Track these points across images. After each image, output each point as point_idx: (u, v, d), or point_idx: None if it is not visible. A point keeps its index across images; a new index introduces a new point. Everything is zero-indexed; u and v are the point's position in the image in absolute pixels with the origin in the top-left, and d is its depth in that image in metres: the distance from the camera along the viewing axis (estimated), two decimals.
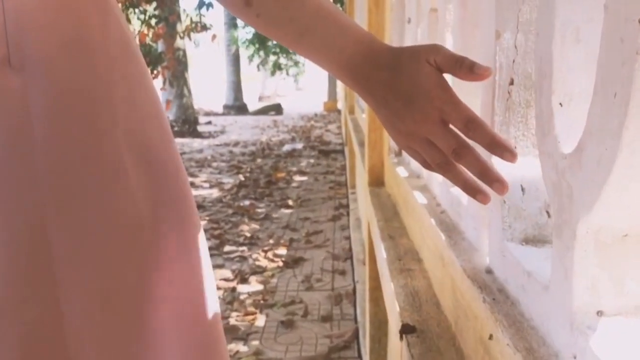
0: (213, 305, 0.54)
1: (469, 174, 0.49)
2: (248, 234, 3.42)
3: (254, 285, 2.62)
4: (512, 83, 0.57)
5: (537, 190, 0.55)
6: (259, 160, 6.32)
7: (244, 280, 2.68)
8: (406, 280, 0.84)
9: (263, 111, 13.70)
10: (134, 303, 0.45)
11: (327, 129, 9.47)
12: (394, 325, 0.79)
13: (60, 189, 0.42)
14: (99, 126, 0.45)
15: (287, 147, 7.33)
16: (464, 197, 0.72)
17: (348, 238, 3.27)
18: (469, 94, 0.73)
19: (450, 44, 0.87)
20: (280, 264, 2.88)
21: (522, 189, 0.56)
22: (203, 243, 0.55)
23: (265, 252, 3.05)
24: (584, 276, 0.37)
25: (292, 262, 2.89)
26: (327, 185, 4.91)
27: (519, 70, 0.57)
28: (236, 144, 7.92)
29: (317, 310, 2.35)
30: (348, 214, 3.75)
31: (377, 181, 1.53)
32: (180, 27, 8.09)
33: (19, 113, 0.41)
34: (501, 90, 0.57)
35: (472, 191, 0.49)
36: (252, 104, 14.96)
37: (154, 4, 7.28)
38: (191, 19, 7.33)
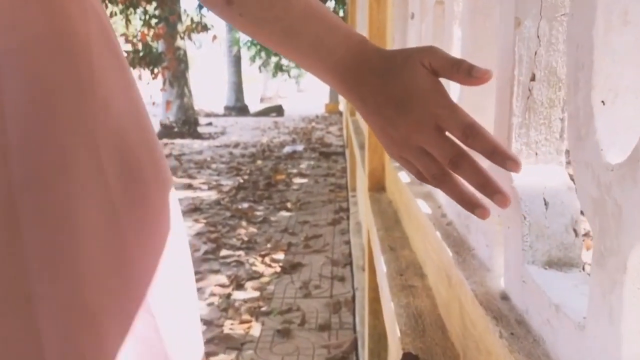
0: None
1: (466, 186, 0.45)
2: (245, 238, 3.34)
3: (250, 291, 2.54)
4: (533, 79, 0.49)
5: (563, 204, 0.47)
6: (258, 162, 6.24)
7: (239, 286, 2.60)
8: (408, 299, 0.76)
9: (264, 112, 13.63)
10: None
11: (328, 131, 9.40)
12: (394, 350, 0.71)
13: (35, 190, 0.38)
14: (79, 125, 0.40)
15: (287, 149, 7.26)
16: None
17: (348, 243, 3.19)
18: (481, 93, 0.66)
19: (458, 38, 0.79)
20: (278, 269, 2.80)
21: (545, 203, 0.48)
22: (180, 247, 0.49)
23: (263, 256, 2.97)
24: (639, 320, 0.29)
25: (290, 268, 2.80)
26: (327, 188, 4.83)
27: (542, 63, 0.49)
28: (236, 145, 7.85)
29: (314, 318, 2.26)
30: (348, 218, 3.67)
31: (377, 186, 1.45)
32: (181, 28, 8.03)
33: None
34: (521, 88, 0.49)
35: (470, 205, 0.45)
36: (254, 106, 14.90)
37: (154, 4, 7.23)
38: (192, 19, 7.27)
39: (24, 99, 0.38)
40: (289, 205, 4.17)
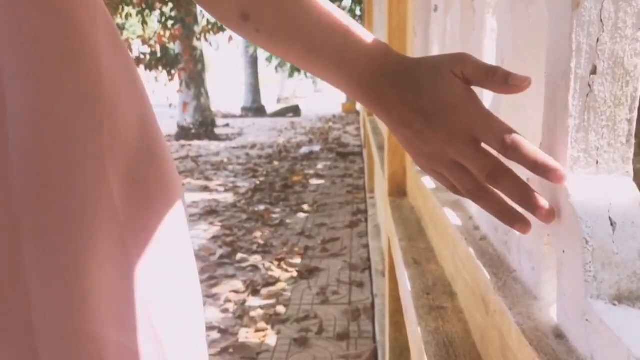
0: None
1: (504, 200, 0.42)
2: (261, 241, 3.27)
3: (266, 298, 2.47)
4: (594, 72, 0.41)
5: (634, 225, 0.39)
6: (275, 163, 6.19)
7: (255, 292, 2.53)
8: (437, 323, 0.67)
9: (281, 113, 13.60)
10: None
11: (346, 131, 9.31)
12: None
13: (36, 197, 0.37)
14: (85, 134, 0.39)
15: (304, 150, 7.19)
16: None
17: (366, 246, 3.10)
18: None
19: (492, 29, 0.70)
20: (295, 274, 2.73)
21: (612, 223, 0.39)
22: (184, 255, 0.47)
23: (279, 261, 2.90)
24: None
25: (307, 273, 2.73)
26: (345, 189, 4.75)
27: (606, 53, 0.40)
28: (253, 146, 7.80)
29: (332, 326, 2.18)
30: (366, 220, 3.58)
31: (398, 190, 1.36)
32: (197, 29, 8.02)
33: None
34: (579, 83, 0.41)
35: (511, 220, 0.42)
36: (271, 106, 14.87)
37: (171, 5, 7.22)
38: (207, 20, 7.24)
39: (28, 106, 0.36)
40: (305, 207, 4.10)
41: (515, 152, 0.39)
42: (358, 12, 11.36)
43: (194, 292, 0.48)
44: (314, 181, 5.17)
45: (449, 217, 0.78)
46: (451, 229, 0.76)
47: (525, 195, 0.40)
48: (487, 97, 0.66)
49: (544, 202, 0.40)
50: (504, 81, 0.41)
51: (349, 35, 0.47)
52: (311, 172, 5.67)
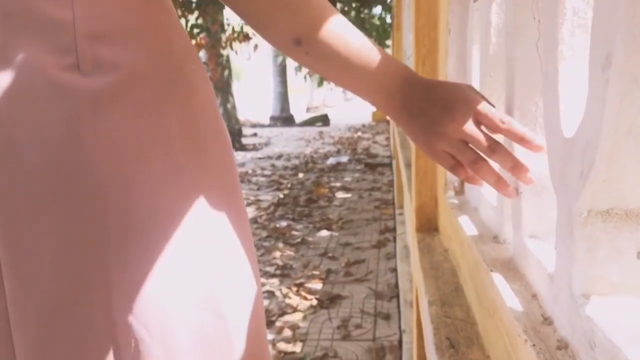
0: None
1: (497, 172, 0.55)
2: (280, 262, 3.04)
3: (279, 331, 2.23)
4: None
5: None
6: (300, 175, 5.97)
7: (270, 323, 2.30)
8: None
9: (309, 122, 13.41)
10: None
11: (375, 140, 9.04)
12: None
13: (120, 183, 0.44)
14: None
15: (331, 160, 6.95)
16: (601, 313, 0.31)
17: (394, 270, 2.83)
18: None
19: (575, 11, 0.45)
20: (314, 302, 2.48)
21: None
22: None
23: (298, 286, 2.66)
24: None
25: (328, 301, 2.48)
26: (373, 203, 4.49)
27: None
28: (279, 156, 7.62)
29: None
30: (394, 240, 3.31)
31: (427, 225, 1.10)
32: (223, 37, 7.91)
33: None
34: None
35: (503, 185, 0.55)
36: (300, 115, 14.71)
37: (196, 14, 7.12)
38: (233, 28, 7.10)
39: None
40: (330, 223, 3.86)
41: (510, 127, 0.53)
42: (388, 20, 11.12)
43: (250, 269, 0.53)
44: (340, 194, 4.92)
45: (502, 291, 0.53)
46: (506, 315, 0.50)
47: (516, 162, 0.53)
48: None
49: (527, 169, 0.53)
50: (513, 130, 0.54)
51: (379, 60, 0.55)
52: (338, 184, 5.43)
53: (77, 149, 0.41)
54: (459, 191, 0.96)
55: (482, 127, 0.53)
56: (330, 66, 0.55)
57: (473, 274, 0.72)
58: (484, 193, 0.80)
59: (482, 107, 0.53)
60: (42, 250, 0.41)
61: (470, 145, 0.53)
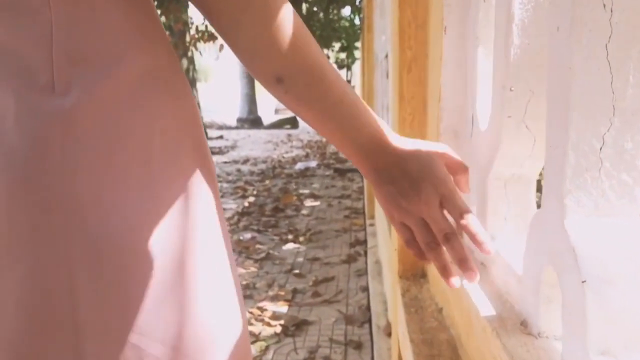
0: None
1: (447, 259, 0.55)
2: (243, 281, 2.80)
3: None
4: None
5: None
6: (267, 182, 5.72)
7: None
8: None
9: (278, 125, 13.16)
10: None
11: None
12: None
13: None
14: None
15: (299, 166, 6.74)
16: None
17: (366, 289, 2.63)
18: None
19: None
20: (278, 329, 2.25)
21: None
22: None
23: (261, 310, 2.42)
24: None
25: (294, 328, 2.25)
26: (342, 212, 4.29)
27: None
28: (245, 161, 7.36)
29: None
30: (366, 254, 3.12)
31: (412, 270, 0.89)
32: (188, 36, 7.58)
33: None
34: None
35: (448, 273, 0.54)
36: (268, 117, 14.44)
37: (158, 12, 6.80)
38: (197, 27, 6.81)
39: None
40: (297, 235, 3.63)
41: (468, 222, 0.53)
42: (357, 21, 10.98)
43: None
44: (309, 202, 4.71)
45: None
46: None
47: (464, 257, 0.52)
48: None
49: (475, 268, 0.52)
50: (465, 183, 0.59)
51: (357, 112, 0.55)
52: (306, 191, 5.21)
53: (44, 171, 0.41)
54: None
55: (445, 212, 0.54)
56: (307, 110, 0.55)
57: (477, 344, 0.51)
58: (500, 251, 0.59)
59: (449, 193, 0.54)
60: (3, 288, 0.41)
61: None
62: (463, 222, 0.52)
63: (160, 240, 0.44)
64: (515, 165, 0.58)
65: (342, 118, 0.54)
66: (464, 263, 0.52)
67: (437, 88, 0.75)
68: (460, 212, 0.53)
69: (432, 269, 0.85)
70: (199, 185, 0.50)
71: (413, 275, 0.89)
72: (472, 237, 0.52)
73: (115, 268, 0.42)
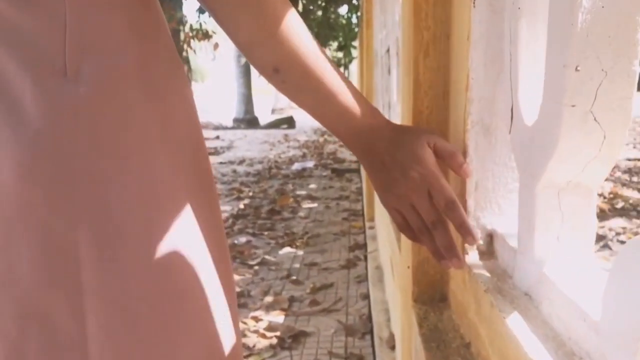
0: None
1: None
2: (237, 288, 2.66)
3: None
4: None
5: None
6: (263, 183, 5.58)
7: None
8: None
9: (274, 125, 13.02)
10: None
11: (341, 144, 8.72)
12: None
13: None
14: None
15: (296, 166, 6.60)
16: None
17: (366, 297, 2.49)
18: None
19: None
20: (274, 340, 2.11)
21: None
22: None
23: (256, 320, 2.28)
24: None
25: (290, 340, 2.11)
26: (341, 215, 4.15)
27: None
28: (241, 161, 7.21)
29: None
30: (366, 259, 2.98)
31: (430, 292, 0.76)
32: (182, 35, 7.43)
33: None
34: None
35: (439, 256, 0.59)
36: (264, 117, 14.29)
37: None
38: (191, 26, 6.66)
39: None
40: (294, 239, 3.49)
41: (453, 213, 0.56)
42: (354, 20, 10.85)
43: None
44: (306, 204, 4.57)
45: None
46: None
47: (450, 245, 0.57)
48: None
49: (460, 255, 0.57)
50: (459, 167, 0.59)
51: (351, 100, 0.58)
52: (303, 192, 5.07)
53: (56, 146, 0.43)
54: (488, 253, 0.62)
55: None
56: (305, 97, 0.58)
57: None
58: (556, 281, 0.46)
59: (436, 182, 0.56)
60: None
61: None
62: (448, 212, 0.56)
63: (159, 225, 0.47)
64: (574, 170, 0.45)
65: (338, 105, 0.57)
66: (448, 250, 0.57)
67: (464, 74, 0.61)
68: (445, 202, 0.56)
69: (453, 292, 0.72)
70: (198, 178, 0.53)
71: (430, 299, 0.75)
72: (457, 228, 0.56)
73: (115, 238, 0.45)
